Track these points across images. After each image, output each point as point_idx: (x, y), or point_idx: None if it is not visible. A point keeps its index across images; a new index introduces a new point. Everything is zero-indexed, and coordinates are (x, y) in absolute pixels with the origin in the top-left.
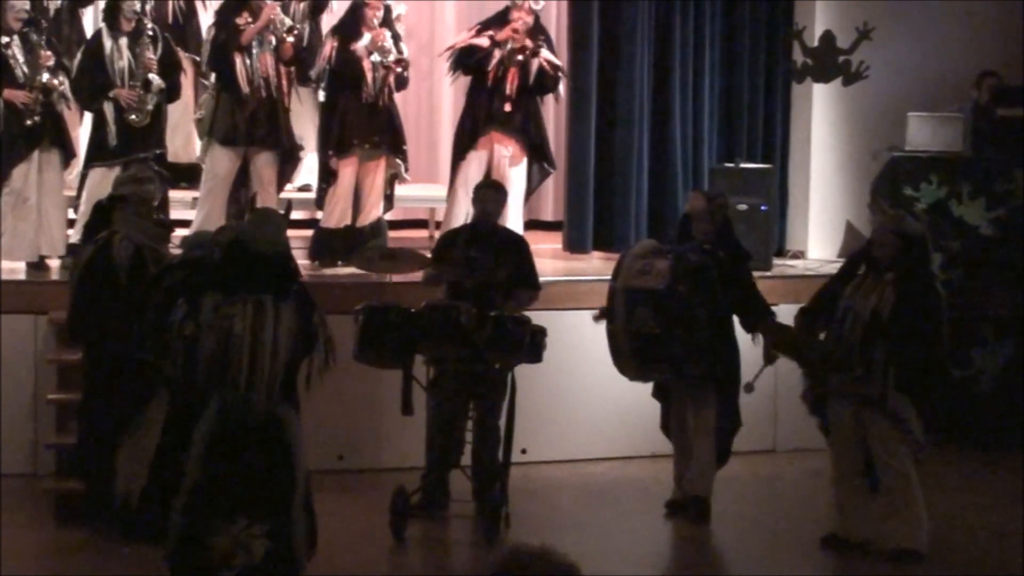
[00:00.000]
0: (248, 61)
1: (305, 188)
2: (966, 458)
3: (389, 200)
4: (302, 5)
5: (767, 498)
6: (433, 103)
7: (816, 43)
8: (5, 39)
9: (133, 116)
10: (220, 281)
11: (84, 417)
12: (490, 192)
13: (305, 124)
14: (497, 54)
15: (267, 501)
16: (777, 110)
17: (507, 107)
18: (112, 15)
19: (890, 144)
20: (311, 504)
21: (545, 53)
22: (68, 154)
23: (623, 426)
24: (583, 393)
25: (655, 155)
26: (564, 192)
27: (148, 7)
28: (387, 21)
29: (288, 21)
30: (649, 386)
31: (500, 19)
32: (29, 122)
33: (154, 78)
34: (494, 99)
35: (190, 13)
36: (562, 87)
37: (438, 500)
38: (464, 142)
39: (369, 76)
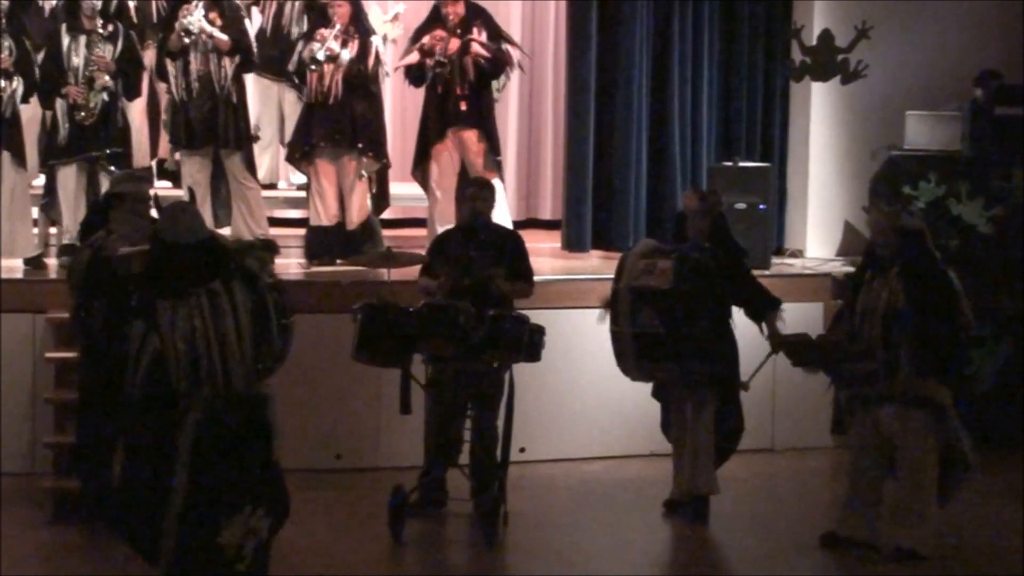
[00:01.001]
0: (182, 65)
1: (305, 187)
2: None
3: (384, 199)
4: (297, 5)
5: (765, 497)
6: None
7: (815, 42)
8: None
9: (81, 114)
10: (164, 285)
11: (82, 417)
12: (479, 190)
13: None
14: (429, 64)
15: (263, 481)
16: (775, 109)
17: (462, 105)
18: (71, 14)
19: (889, 143)
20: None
21: (475, 47)
22: (18, 156)
23: (621, 425)
24: (581, 392)
25: (654, 154)
26: (563, 191)
27: (120, 4)
28: (356, 17)
29: (194, 23)
30: (647, 385)
31: (434, 17)
32: None
33: (101, 76)
34: (447, 102)
35: (172, 13)
36: (522, 63)
37: (436, 499)
38: (424, 146)
39: (309, 78)
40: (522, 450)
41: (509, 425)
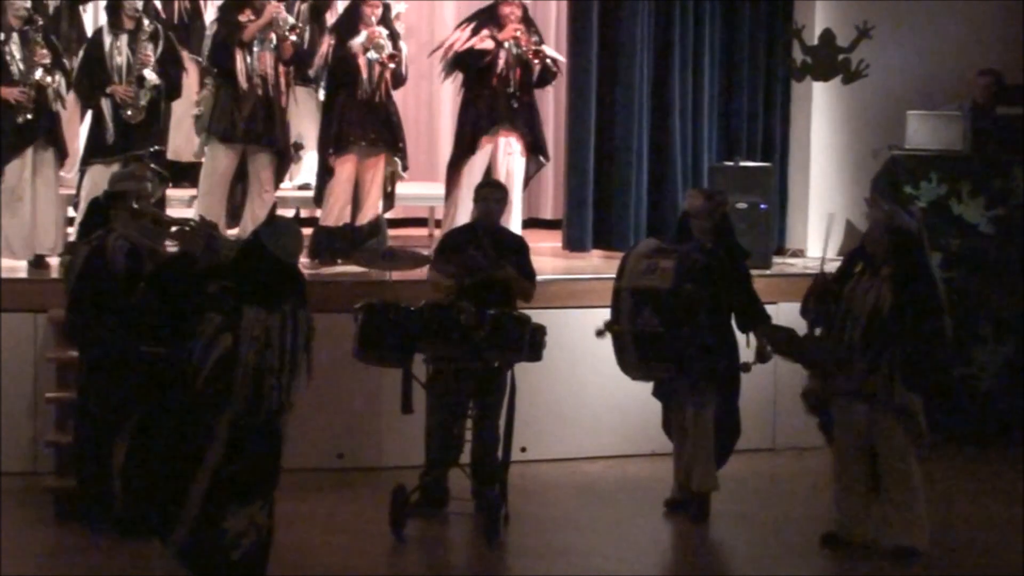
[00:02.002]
0: (248, 58)
1: (305, 187)
2: (966, 456)
3: (389, 198)
4: (304, 5)
5: (766, 497)
6: (433, 102)
7: (816, 41)
8: (2, 36)
9: (128, 112)
10: (258, 293)
11: (81, 415)
12: (493, 191)
13: (304, 123)
14: (503, 55)
15: (272, 480)
16: (776, 108)
17: (515, 105)
18: (113, 12)
19: (890, 142)
20: None
21: (546, 49)
22: (62, 153)
23: (622, 425)
24: (582, 392)
25: (655, 153)
26: (564, 190)
27: (153, 5)
28: (385, 19)
29: (291, 20)
30: (648, 385)
31: (490, 15)
32: (21, 119)
33: (148, 74)
34: (498, 98)
35: (195, 13)
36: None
37: (437, 498)
38: (468, 143)
39: (364, 74)
40: (523, 450)
41: (510, 425)
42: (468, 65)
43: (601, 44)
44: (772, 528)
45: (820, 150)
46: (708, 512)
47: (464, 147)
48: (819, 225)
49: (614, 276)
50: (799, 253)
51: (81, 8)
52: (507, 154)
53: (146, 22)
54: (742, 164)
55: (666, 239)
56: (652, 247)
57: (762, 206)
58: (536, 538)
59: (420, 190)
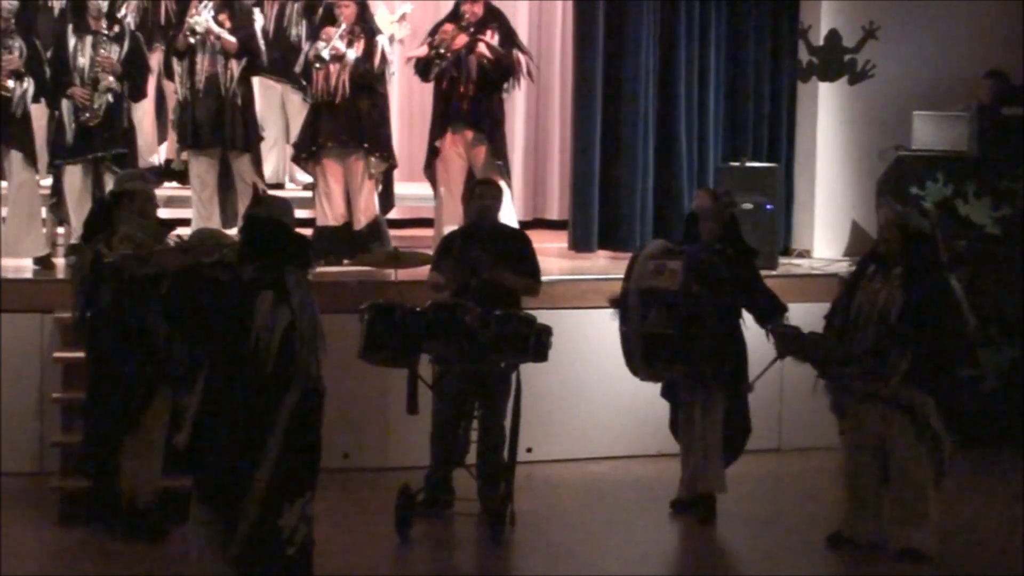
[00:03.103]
0: (188, 65)
1: (310, 187)
2: (972, 458)
3: (389, 199)
4: (297, 6)
5: (772, 497)
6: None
7: (821, 42)
8: None
9: (85, 115)
10: (294, 255)
11: (88, 415)
12: (487, 189)
13: (296, 123)
14: (433, 56)
15: (317, 469)
16: (782, 109)
17: (464, 105)
18: (78, 14)
19: (896, 143)
20: None
21: (481, 46)
22: (31, 156)
23: (628, 425)
24: (588, 392)
25: (660, 154)
26: (570, 191)
27: (126, 6)
28: (362, 16)
29: (201, 23)
30: (654, 385)
31: (452, 15)
32: None
33: (105, 77)
34: (451, 99)
35: (182, 14)
36: (531, 70)
37: (443, 499)
38: (432, 145)
39: (316, 77)
40: (529, 450)
41: (516, 425)
42: (417, 73)
43: (607, 45)
44: (778, 529)
45: (826, 150)
46: (714, 513)
47: (429, 152)
48: (825, 226)
49: (621, 276)
50: (805, 253)
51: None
52: (475, 153)
53: (105, 24)
54: (748, 164)
55: (674, 240)
56: (660, 248)
57: (768, 206)
58: (542, 538)
59: (424, 190)
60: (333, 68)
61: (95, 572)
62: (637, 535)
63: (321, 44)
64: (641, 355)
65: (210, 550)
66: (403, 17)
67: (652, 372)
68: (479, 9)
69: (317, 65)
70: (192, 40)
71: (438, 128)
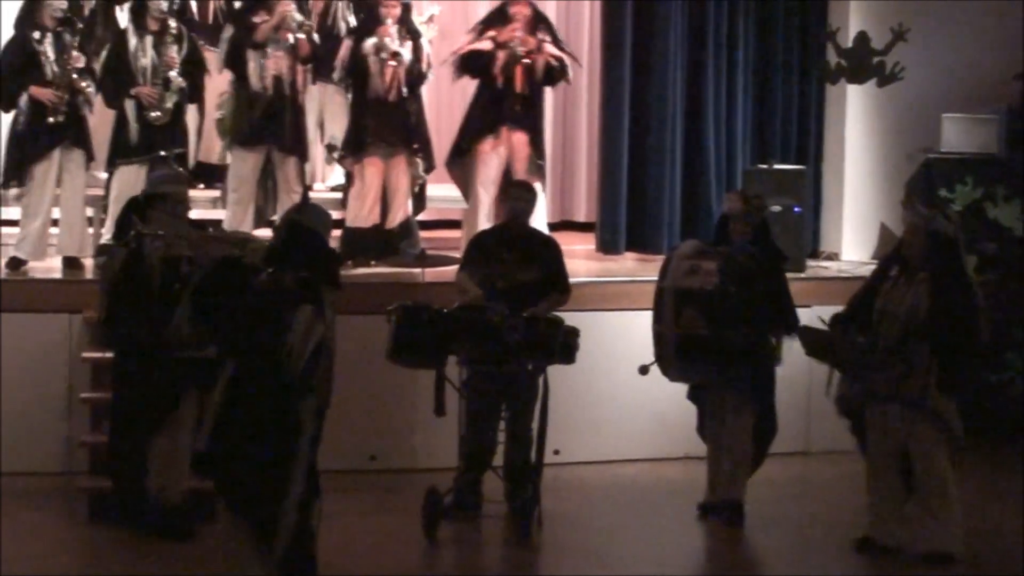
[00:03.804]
0: (262, 60)
1: (337, 188)
2: (1000, 460)
3: (420, 200)
4: (342, 4)
5: (800, 501)
6: (466, 104)
7: (850, 44)
8: (37, 35)
9: (154, 114)
10: (328, 272)
11: (115, 416)
12: (521, 192)
13: (335, 124)
14: (501, 56)
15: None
16: (811, 111)
17: (518, 106)
18: (138, 14)
19: (924, 145)
20: None
21: (549, 47)
22: (90, 155)
23: (656, 427)
24: (616, 394)
25: (688, 156)
26: (597, 193)
27: (178, 6)
28: (404, 18)
29: (299, 18)
30: (682, 388)
31: (499, 15)
32: (52, 120)
33: (174, 77)
34: (504, 99)
35: (229, 13)
36: (571, 71)
37: (470, 501)
38: (469, 140)
39: (375, 75)
40: (556, 452)
41: (543, 427)
42: (470, 67)
43: (635, 46)
44: (806, 532)
45: (854, 153)
46: (742, 517)
47: (463, 146)
48: (853, 228)
49: (648, 279)
50: (833, 256)
51: (117, 8)
52: (522, 154)
53: (171, 24)
54: (776, 167)
55: (704, 241)
56: (695, 248)
57: (796, 209)
58: (569, 540)
59: (454, 192)
60: (388, 66)
61: (123, 571)
62: (664, 538)
63: (387, 39)
64: (674, 355)
65: (247, 554)
66: (431, 19)
67: (685, 373)
68: (528, 10)
69: (393, 62)
70: (294, 35)
71: (488, 125)
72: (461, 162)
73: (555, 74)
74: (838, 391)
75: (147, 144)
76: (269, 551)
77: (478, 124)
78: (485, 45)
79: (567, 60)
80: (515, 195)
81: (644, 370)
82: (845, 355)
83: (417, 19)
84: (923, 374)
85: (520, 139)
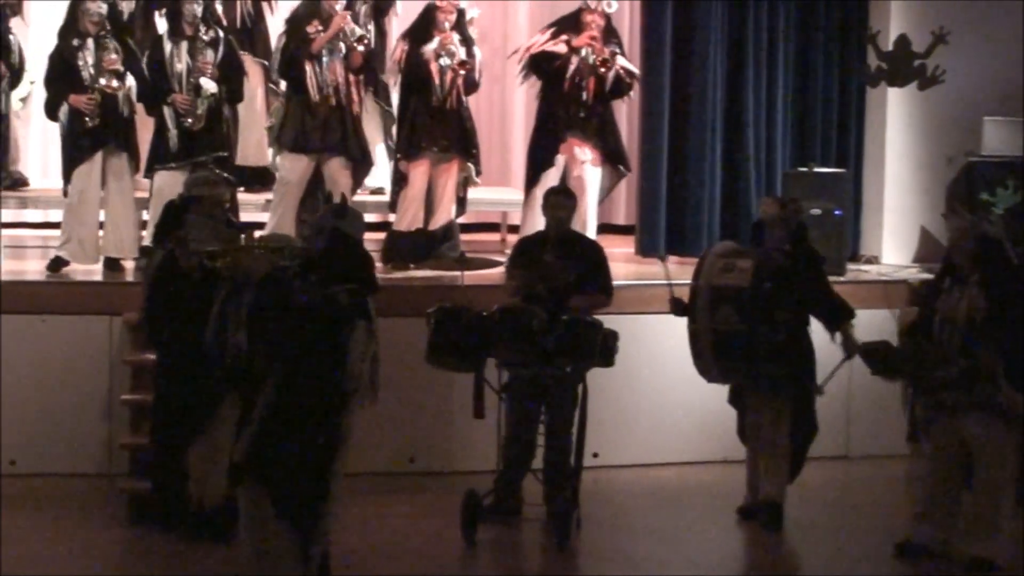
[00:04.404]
0: (318, 69)
1: (378, 191)
2: None
3: (462, 204)
4: (365, 7)
5: (840, 504)
6: (506, 107)
7: (891, 47)
8: (77, 42)
9: (188, 121)
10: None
11: (157, 418)
12: (560, 199)
13: (371, 129)
14: (575, 61)
15: None
16: (851, 114)
17: (582, 114)
18: (173, 20)
19: (965, 149)
20: None
21: (621, 60)
22: (136, 158)
23: (695, 431)
24: (655, 397)
25: (728, 159)
26: (637, 196)
27: (214, 11)
28: (459, 24)
29: (358, 30)
30: (721, 391)
31: (573, 21)
32: (89, 124)
33: (205, 82)
34: (570, 105)
35: (257, 17)
36: (634, 89)
37: (509, 504)
38: (545, 152)
39: (437, 79)
40: (595, 455)
41: (582, 430)
42: (541, 68)
43: (675, 48)
44: (846, 537)
45: (895, 156)
46: (781, 520)
47: (540, 158)
48: (894, 232)
49: (688, 282)
50: (873, 260)
51: (157, 14)
52: (580, 162)
53: (202, 29)
54: (816, 170)
55: (742, 244)
56: (730, 248)
57: (836, 212)
58: (608, 544)
59: (492, 195)
60: (449, 73)
61: (162, 573)
62: (703, 541)
63: (452, 47)
64: (710, 353)
65: (289, 558)
66: (471, 22)
67: (719, 372)
68: (603, 22)
69: (462, 71)
70: (354, 45)
71: (557, 137)
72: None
73: (623, 87)
74: (910, 413)
75: (186, 150)
76: (309, 555)
77: (549, 134)
78: (560, 48)
79: (635, 76)
80: (553, 203)
81: (819, 391)
82: (914, 365)
83: None
84: (990, 375)
85: (582, 149)
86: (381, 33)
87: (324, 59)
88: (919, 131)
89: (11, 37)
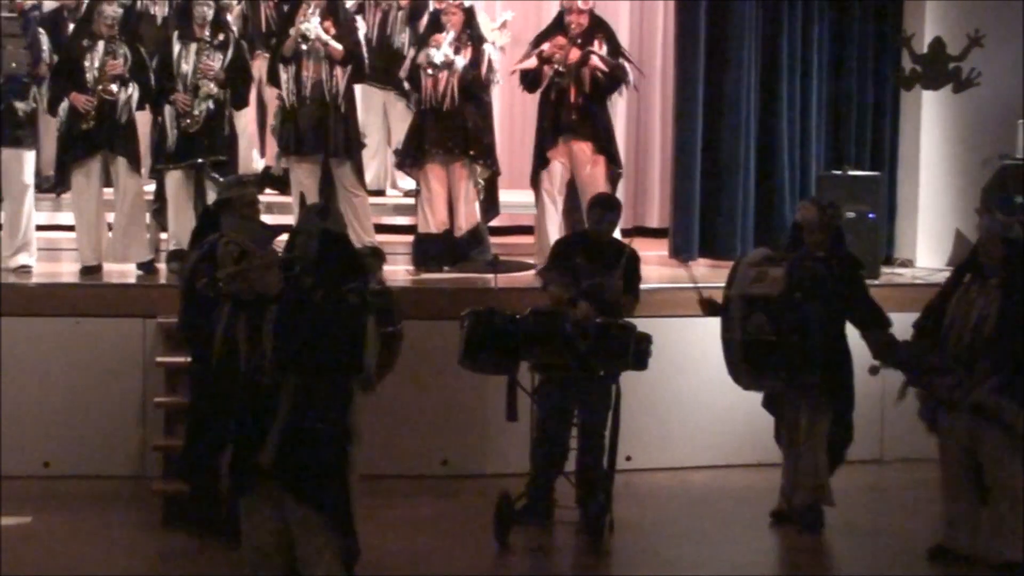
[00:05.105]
0: (295, 72)
1: (410, 193)
2: None
3: (493, 206)
4: (400, 13)
5: (874, 508)
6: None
7: (925, 50)
8: (87, 42)
9: (186, 121)
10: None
11: (190, 421)
12: (601, 213)
13: (398, 128)
14: (547, 71)
15: None
16: (886, 117)
17: (573, 116)
18: (182, 21)
19: (1000, 152)
20: None
21: (595, 59)
22: (136, 162)
23: (728, 434)
24: (688, 400)
25: (762, 161)
26: (670, 199)
27: (233, 14)
28: (469, 24)
29: (312, 29)
30: (755, 394)
31: (556, 25)
32: (84, 126)
33: (204, 84)
34: (560, 111)
35: (283, 21)
36: (631, 76)
37: (542, 507)
38: (539, 155)
39: (425, 83)
40: (628, 458)
41: (615, 433)
42: (525, 85)
43: (708, 51)
44: (879, 540)
45: (929, 159)
46: (820, 522)
47: (537, 161)
48: (928, 235)
49: (722, 285)
50: (907, 263)
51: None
52: (584, 161)
53: (207, 32)
54: (851, 173)
55: (778, 249)
56: (762, 256)
57: (870, 215)
58: (641, 547)
59: (526, 198)
60: (442, 75)
61: (195, 575)
62: (736, 545)
63: (433, 51)
64: (743, 362)
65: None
66: (504, 24)
67: (754, 379)
68: (585, 19)
69: (429, 71)
70: (303, 46)
71: (548, 139)
72: (539, 174)
73: (611, 83)
74: (920, 406)
75: (185, 151)
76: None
77: (543, 135)
78: (530, 63)
79: (623, 69)
80: (596, 216)
81: (874, 371)
82: (912, 362)
83: (489, 25)
84: (994, 381)
85: (581, 148)
86: (418, 38)
87: (303, 60)
88: (954, 134)
89: (41, 38)
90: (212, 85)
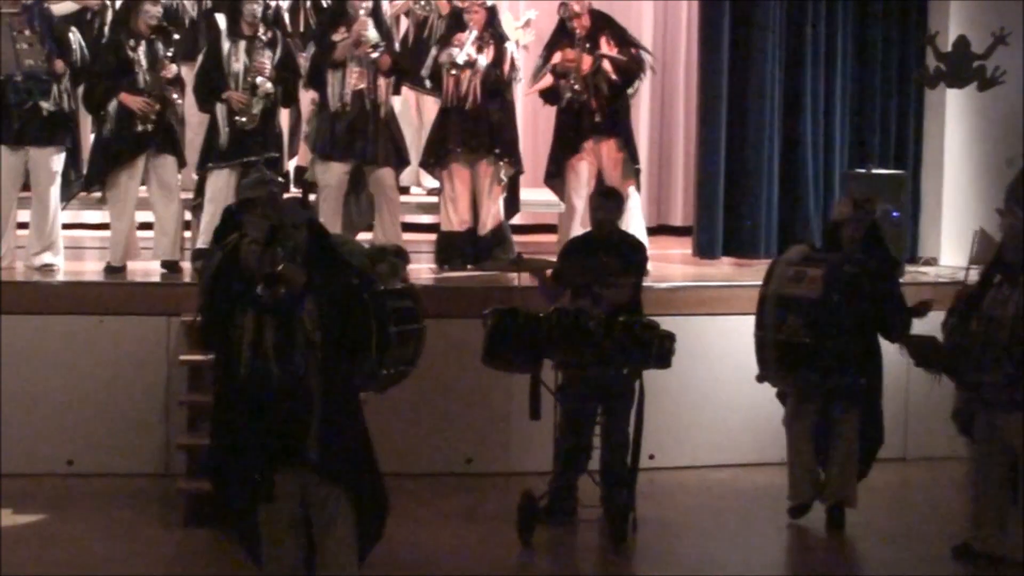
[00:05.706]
0: (341, 76)
1: (434, 192)
2: None
3: (515, 204)
4: (440, 22)
5: (898, 507)
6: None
7: (950, 48)
8: (132, 42)
9: (242, 119)
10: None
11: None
12: (602, 201)
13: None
14: (564, 84)
15: None
16: (910, 115)
17: (597, 117)
18: (232, 19)
19: None
20: None
21: (607, 64)
22: (180, 160)
23: (751, 432)
24: (711, 399)
25: (786, 160)
26: (694, 197)
27: (273, 12)
28: (490, 24)
29: (374, 37)
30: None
31: (560, 31)
32: (140, 128)
33: (261, 82)
34: (581, 118)
35: (325, 24)
36: (647, 61)
37: (566, 505)
38: (559, 158)
39: (446, 82)
40: (651, 457)
41: (639, 432)
42: (547, 102)
43: (732, 50)
44: (903, 539)
45: (954, 158)
46: (843, 521)
47: (559, 160)
48: (952, 233)
49: (744, 283)
50: (932, 261)
51: (218, 16)
52: (612, 160)
53: (262, 29)
54: (874, 171)
55: (814, 247)
56: (801, 254)
57: (894, 214)
58: (664, 545)
59: (549, 196)
60: (464, 74)
61: (219, 573)
62: (759, 543)
63: (455, 50)
64: (775, 361)
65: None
66: (527, 23)
67: (786, 380)
68: (586, 21)
69: (453, 71)
70: (368, 52)
71: (572, 145)
72: (558, 178)
73: (627, 79)
74: (953, 407)
75: (237, 149)
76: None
77: (564, 143)
78: (547, 82)
79: (636, 61)
80: (597, 204)
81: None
82: (954, 361)
83: (513, 24)
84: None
85: (608, 146)
86: (441, 37)
87: (351, 66)
88: (978, 132)
89: (71, 35)
90: (268, 83)
